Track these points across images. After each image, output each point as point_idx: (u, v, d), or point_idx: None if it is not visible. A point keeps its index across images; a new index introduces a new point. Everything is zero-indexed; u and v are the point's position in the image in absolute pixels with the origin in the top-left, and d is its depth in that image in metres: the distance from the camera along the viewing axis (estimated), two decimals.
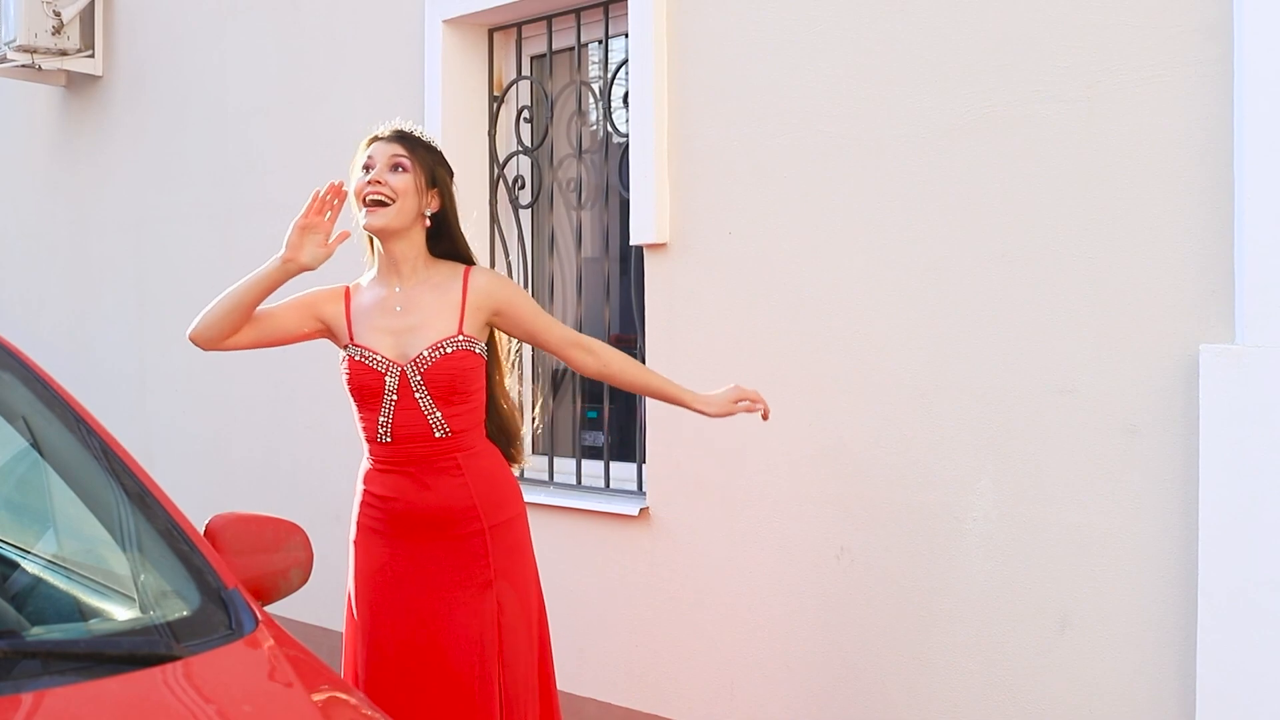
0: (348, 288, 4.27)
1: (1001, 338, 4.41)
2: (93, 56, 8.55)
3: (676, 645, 5.35)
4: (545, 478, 6.11)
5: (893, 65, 4.68)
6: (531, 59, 6.28)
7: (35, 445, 3.34)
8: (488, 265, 6.30)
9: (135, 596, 3.05)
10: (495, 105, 6.33)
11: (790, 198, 4.97)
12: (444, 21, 6.27)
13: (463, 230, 4.35)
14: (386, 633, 4.14)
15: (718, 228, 5.20)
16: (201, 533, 3.22)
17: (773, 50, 5.02)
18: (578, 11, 5.93)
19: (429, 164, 4.22)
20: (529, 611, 4.23)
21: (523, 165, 6.26)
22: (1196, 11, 4.00)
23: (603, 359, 4.33)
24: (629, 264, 5.82)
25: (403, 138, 4.22)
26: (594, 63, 6.06)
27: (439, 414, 4.11)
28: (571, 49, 6.03)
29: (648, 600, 5.47)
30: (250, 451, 7.53)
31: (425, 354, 4.09)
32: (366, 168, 4.18)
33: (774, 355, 5.00)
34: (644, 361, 5.43)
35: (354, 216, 4.21)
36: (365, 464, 4.23)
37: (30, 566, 3.20)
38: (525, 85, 6.28)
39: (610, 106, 5.86)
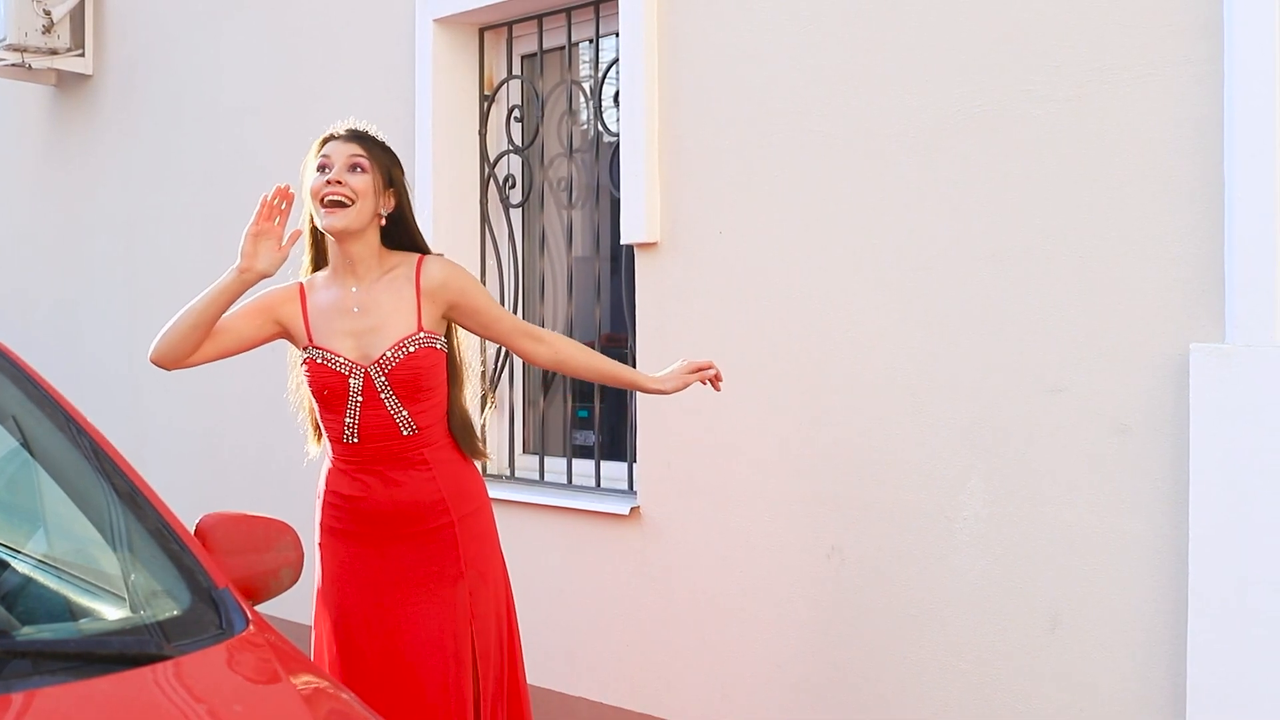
0: (301, 286, 4.26)
1: (992, 337, 4.41)
2: (83, 55, 8.54)
3: (668, 645, 5.35)
4: (536, 477, 6.11)
5: (883, 65, 4.69)
6: (522, 58, 6.29)
7: (25, 445, 3.34)
8: (477, 262, 6.32)
9: (126, 596, 3.05)
10: (486, 104, 6.33)
11: (781, 197, 4.98)
12: (435, 21, 6.26)
13: (416, 222, 4.39)
14: (360, 632, 4.15)
15: (708, 227, 5.20)
16: (192, 532, 3.22)
17: (763, 50, 5.03)
18: (568, 11, 5.93)
19: (385, 164, 4.23)
20: (499, 602, 4.26)
21: (513, 164, 6.27)
22: (1187, 11, 4.00)
23: (554, 348, 4.35)
24: (620, 263, 5.82)
25: (359, 137, 4.21)
26: (585, 62, 6.06)
27: (405, 412, 4.11)
28: (562, 48, 6.03)
29: (639, 600, 5.47)
30: (241, 451, 7.52)
31: (389, 354, 4.09)
32: (323, 167, 4.16)
33: (765, 354, 5.00)
34: (635, 362, 5.43)
35: (300, 216, 4.28)
36: (327, 464, 4.24)
37: (21, 566, 3.20)
38: (516, 84, 6.28)
39: (601, 106, 5.86)
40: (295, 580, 3.37)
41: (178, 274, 7.90)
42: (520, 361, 6.21)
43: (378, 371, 4.09)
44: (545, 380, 6.20)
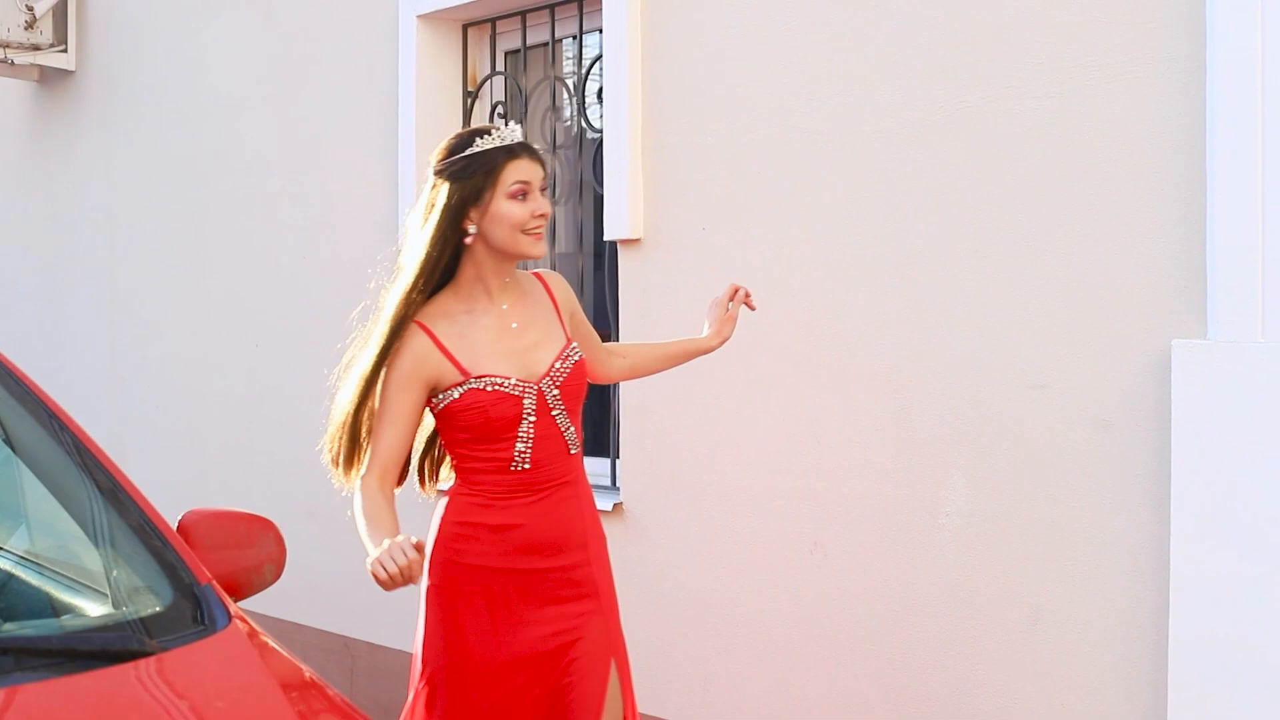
0: (422, 326, 3.76)
1: (975, 333, 4.42)
2: (66, 51, 8.52)
3: (650, 640, 5.35)
4: None
5: (867, 61, 4.69)
6: (505, 54, 6.28)
7: (7, 441, 3.33)
8: None
9: (108, 592, 3.05)
10: (469, 100, 6.33)
11: (764, 194, 4.98)
12: (418, 17, 6.26)
13: None
14: (519, 677, 3.79)
15: (692, 223, 5.21)
16: (174, 528, 3.22)
17: (747, 46, 5.03)
18: (552, 7, 5.93)
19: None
20: (622, 643, 4.02)
21: None
22: (1170, 8, 4.02)
23: (626, 355, 4.24)
24: (603, 259, 5.82)
25: (537, 154, 3.83)
26: (568, 58, 6.06)
27: (572, 429, 3.84)
28: (545, 44, 6.03)
29: (622, 595, 5.42)
30: (224, 447, 7.51)
31: (557, 366, 3.79)
32: (522, 194, 3.74)
33: (748, 351, 4.99)
34: None
35: (410, 238, 3.83)
36: (459, 500, 3.81)
37: (2, 563, 3.20)
38: (499, 80, 6.28)
39: (584, 102, 5.86)
40: (278, 576, 3.37)
41: (160, 269, 7.90)
42: None
43: (550, 385, 3.78)
44: None
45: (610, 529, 5.42)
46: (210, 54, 7.58)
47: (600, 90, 5.62)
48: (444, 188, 3.75)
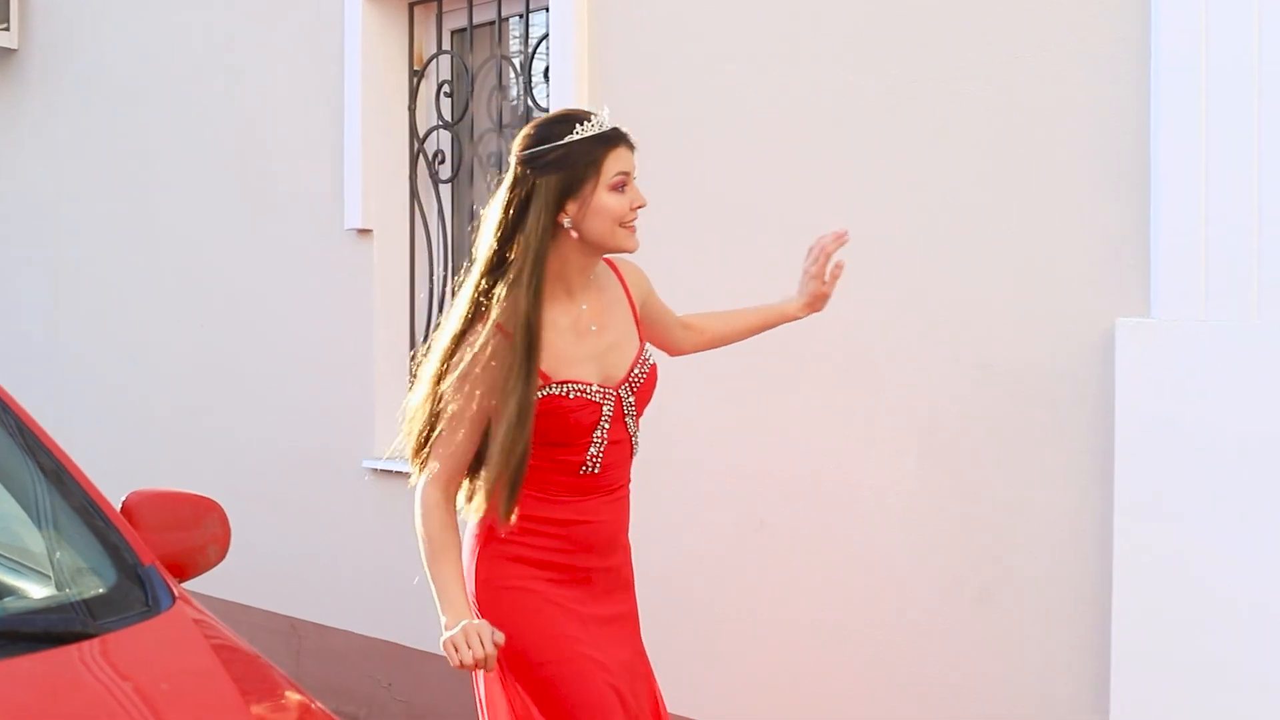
0: (500, 326, 3.45)
1: (920, 313, 4.43)
2: (8, 29, 8.44)
3: None
4: None
5: (815, 44, 4.69)
6: (452, 33, 6.26)
7: None
8: (406, 239, 6.30)
9: (51, 574, 3.03)
10: (415, 79, 6.31)
11: (712, 173, 4.98)
12: None
13: None
14: (602, 674, 3.59)
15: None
16: (118, 509, 3.20)
17: (695, 25, 5.02)
18: None
19: None
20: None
21: (443, 140, 6.24)
22: None
23: (702, 329, 4.08)
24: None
25: (632, 142, 3.60)
26: (515, 37, 6.04)
27: (638, 431, 3.70)
28: (492, 23, 6.00)
29: None
30: (173, 427, 7.47)
31: (635, 372, 3.62)
32: (623, 185, 3.52)
33: None
34: None
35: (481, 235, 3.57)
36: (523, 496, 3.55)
37: None
38: (445, 59, 6.26)
39: (531, 81, 5.84)
40: (222, 557, 3.36)
41: (102, 249, 7.84)
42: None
43: (628, 391, 3.62)
44: None
45: None
46: (155, 33, 7.52)
47: (547, 69, 5.61)
48: (537, 179, 3.46)
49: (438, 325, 3.85)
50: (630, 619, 3.77)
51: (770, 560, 4.84)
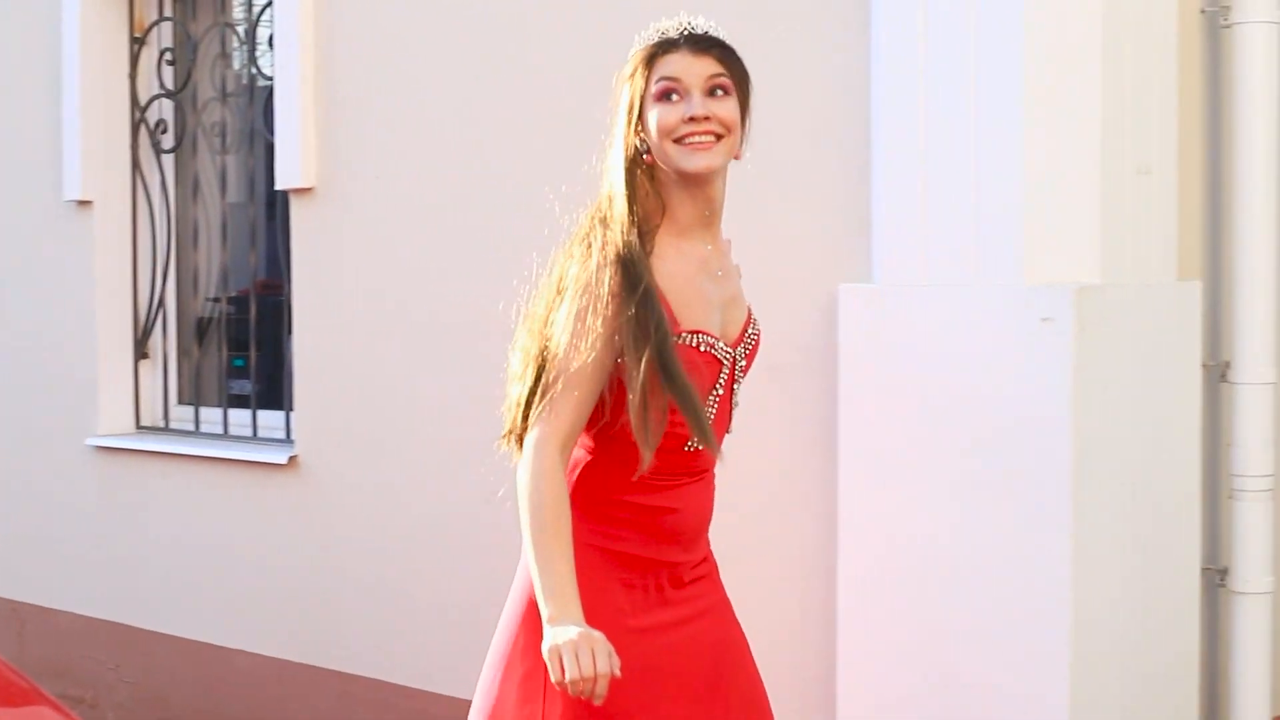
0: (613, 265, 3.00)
1: None
2: None
3: (331, 594, 5.30)
4: (192, 428, 6.00)
5: (532, 18, 4.68)
6: (174, 0, 6.13)
7: None
8: (129, 210, 6.17)
9: None
10: (136, 47, 6.15)
11: (434, 142, 4.95)
12: None
13: None
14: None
15: (364, 172, 5.15)
16: None
17: None
18: None
19: (745, 80, 3.17)
20: None
21: (165, 109, 6.11)
22: None
23: None
24: (275, 209, 5.73)
25: (717, 46, 3.12)
26: (238, 4, 5.94)
27: (739, 404, 3.26)
28: None
29: (300, 550, 5.40)
30: None
31: (750, 332, 3.21)
32: (668, 94, 3.05)
33: (419, 299, 4.98)
34: (291, 307, 5.35)
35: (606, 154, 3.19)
36: (608, 474, 3.10)
37: None
38: (167, 26, 6.12)
39: (255, 49, 5.76)
40: None
41: None
42: (173, 309, 6.08)
43: (742, 353, 3.19)
44: (199, 328, 6.08)
45: (286, 484, 5.39)
46: None
47: (271, 37, 5.52)
48: (619, 96, 3.13)
49: None
50: (716, 610, 3.27)
51: (502, 534, 4.81)
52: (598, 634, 2.76)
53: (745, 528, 4.31)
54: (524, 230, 4.73)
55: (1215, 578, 4.20)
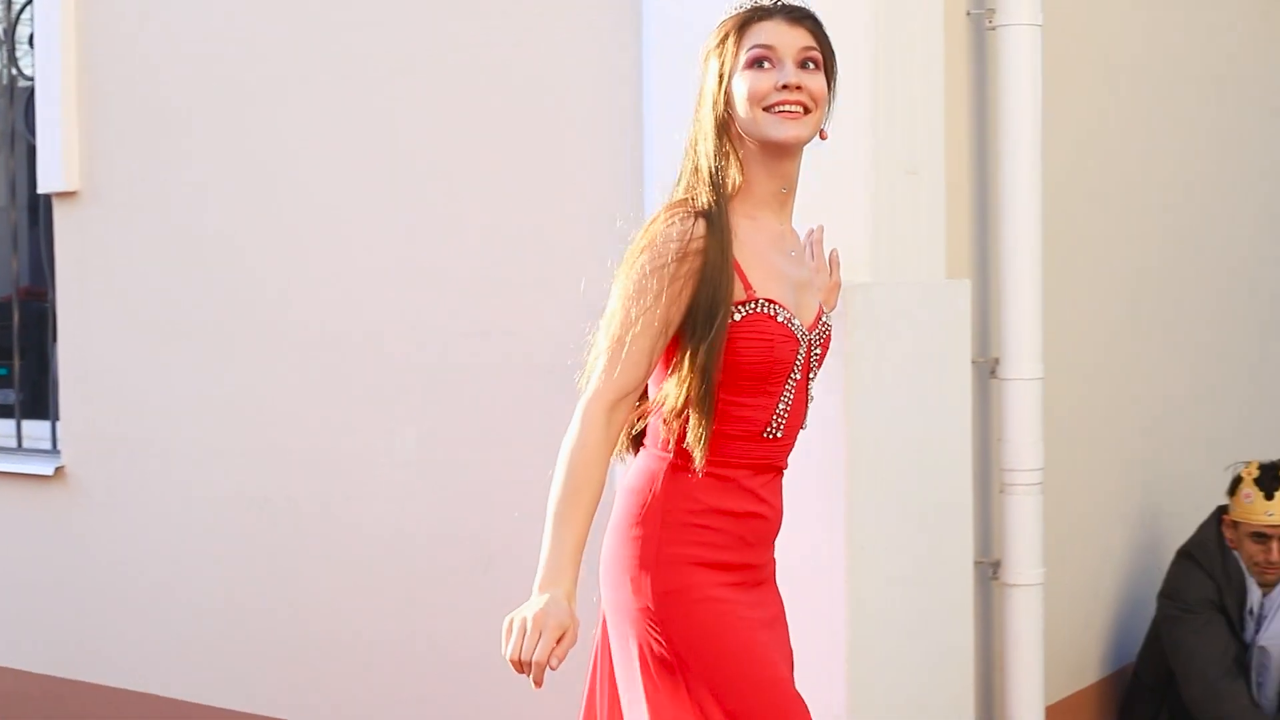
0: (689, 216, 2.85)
1: (412, 283, 4.43)
2: None
3: (102, 608, 5.18)
4: None
5: (304, 10, 4.62)
6: None
7: None
8: None
9: None
10: None
11: (201, 143, 4.85)
12: None
13: None
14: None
15: (130, 174, 5.03)
16: None
17: None
18: None
19: (833, 57, 3.03)
20: None
21: None
22: None
23: None
24: (38, 213, 5.58)
25: (810, 18, 2.98)
26: None
27: (813, 400, 3.07)
28: None
29: (68, 563, 5.27)
30: None
31: (823, 323, 3.04)
32: (760, 61, 2.90)
33: (187, 305, 4.87)
34: (55, 317, 5.22)
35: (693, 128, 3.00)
36: (688, 478, 2.86)
37: None
38: None
39: (15, 49, 5.61)
40: None
41: None
42: None
43: (817, 340, 3.01)
44: None
45: (53, 495, 5.25)
46: None
47: (31, 36, 5.37)
48: (704, 68, 2.98)
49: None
50: (784, 618, 3.10)
51: (272, 538, 4.75)
52: (558, 618, 2.60)
53: (520, 528, 4.24)
54: (291, 230, 4.68)
55: (988, 570, 4.28)
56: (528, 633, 2.59)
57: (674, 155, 3.91)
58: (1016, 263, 4.20)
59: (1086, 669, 5.02)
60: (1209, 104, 5.74)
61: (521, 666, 2.58)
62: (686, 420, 2.79)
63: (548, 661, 2.57)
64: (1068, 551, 4.67)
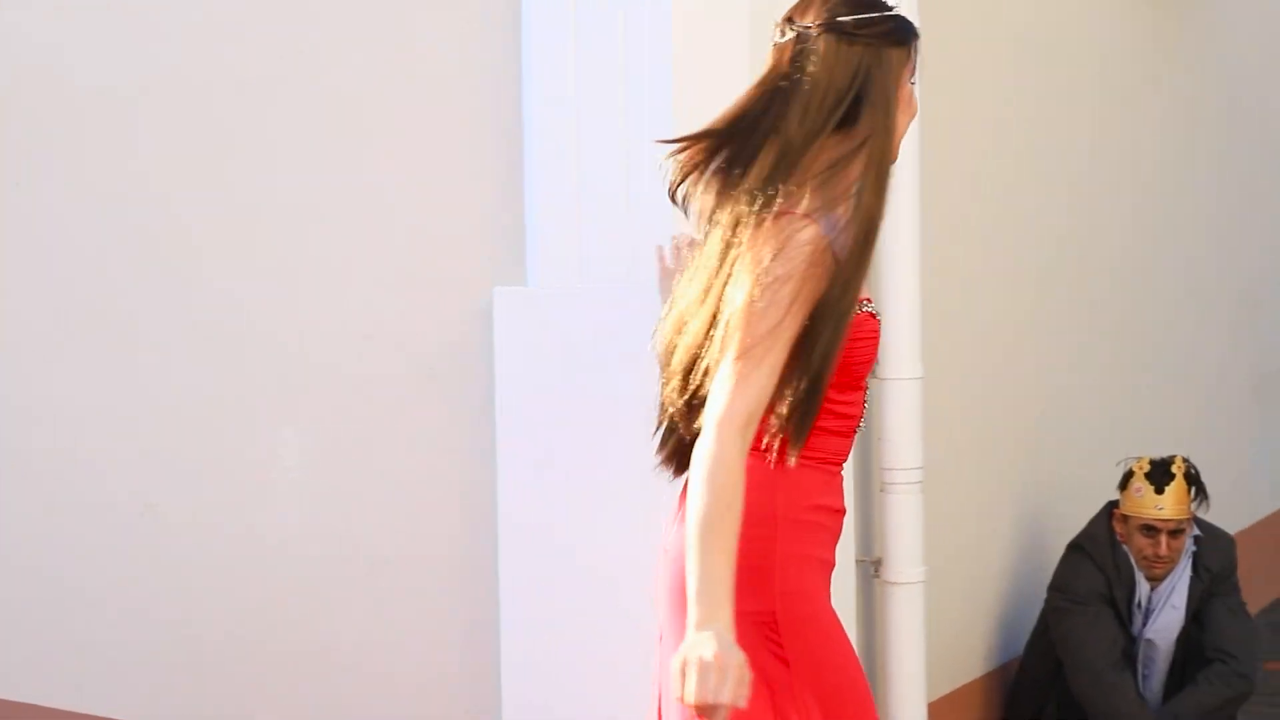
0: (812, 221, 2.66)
1: (299, 283, 4.39)
2: None
3: None
4: None
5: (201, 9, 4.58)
6: None
7: None
8: None
9: None
10: None
11: (81, 142, 4.79)
12: None
13: None
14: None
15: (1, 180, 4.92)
16: None
17: None
18: None
19: None
20: None
21: None
22: None
23: None
24: None
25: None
26: None
27: None
28: None
29: None
30: None
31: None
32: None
33: (62, 304, 4.78)
34: None
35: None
36: (806, 474, 2.78)
37: None
38: None
39: None
40: None
41: None
42: None
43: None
44: None
45: None
46: None
47: None
48: (884, 50, 2.73)
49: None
50: None
51: (157, 546, 4.69)
52: (737, 655, 2.47)
53: (409, 532, 4.28)
54: (158, 233, 4.60)
55: (870, 569, 4.33)
56: (711, 674, 2.43)
57: (555, 165, 3.96)
58: (893, 266, 4.24)
59: (971, 665, 5.08)
60: (1087, 97, 5.80)
61: (706, 710, 2.46)
62: (789, 418, 2.65)
63: (734, 703, 2.45)
64: (951, 549, 4.72)
